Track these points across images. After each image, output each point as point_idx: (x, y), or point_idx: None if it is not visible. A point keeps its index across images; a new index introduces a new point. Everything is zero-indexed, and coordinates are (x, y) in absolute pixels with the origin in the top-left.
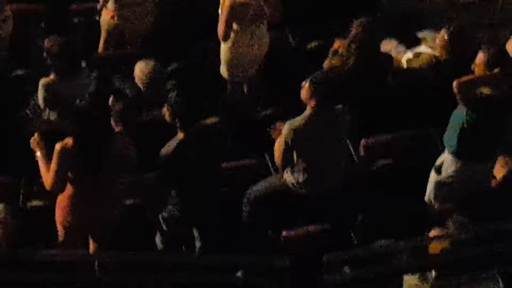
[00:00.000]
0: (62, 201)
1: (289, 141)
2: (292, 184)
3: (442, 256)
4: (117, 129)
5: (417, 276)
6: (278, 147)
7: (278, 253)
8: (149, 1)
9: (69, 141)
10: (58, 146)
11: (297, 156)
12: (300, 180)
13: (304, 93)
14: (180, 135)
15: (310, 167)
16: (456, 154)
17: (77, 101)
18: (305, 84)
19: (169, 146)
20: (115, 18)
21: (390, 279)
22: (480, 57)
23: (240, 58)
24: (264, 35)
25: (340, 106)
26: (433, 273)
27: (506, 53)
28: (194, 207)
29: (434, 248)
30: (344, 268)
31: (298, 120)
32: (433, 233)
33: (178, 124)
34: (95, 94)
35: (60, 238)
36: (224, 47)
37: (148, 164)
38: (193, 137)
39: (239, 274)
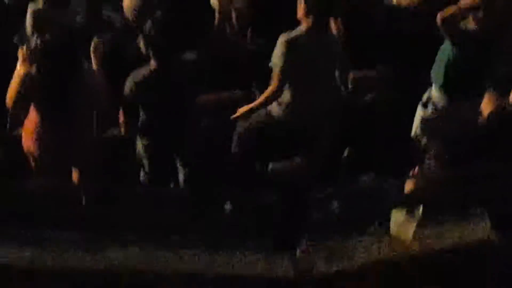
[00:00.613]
0: (28, 126)
1: (285, 53)
2: (278, 115)
3: (429, 193)
4: (93, 63)
5: (404, 212)
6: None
7: (265, 187)
8: None
9: (33, 69)
10: (22, 70)
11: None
12: (286, 105)
13: (300, 9)
14: (153, 65)
15: (297, 90)
16: (443, 89)
17: (47, 35)
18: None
19: (137, 75)
20: None
21: (378, 215)
22: None
23: None
24: None
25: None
26: (421, 209)
27: None
28: (168, 139)
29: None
30: (332, 203)
31: (292, 34)
32: (416, 170)
33: (151, 54)
34: (62, 28)
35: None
36: None
37: None
38: (166, 69)
39: (227, 207)
